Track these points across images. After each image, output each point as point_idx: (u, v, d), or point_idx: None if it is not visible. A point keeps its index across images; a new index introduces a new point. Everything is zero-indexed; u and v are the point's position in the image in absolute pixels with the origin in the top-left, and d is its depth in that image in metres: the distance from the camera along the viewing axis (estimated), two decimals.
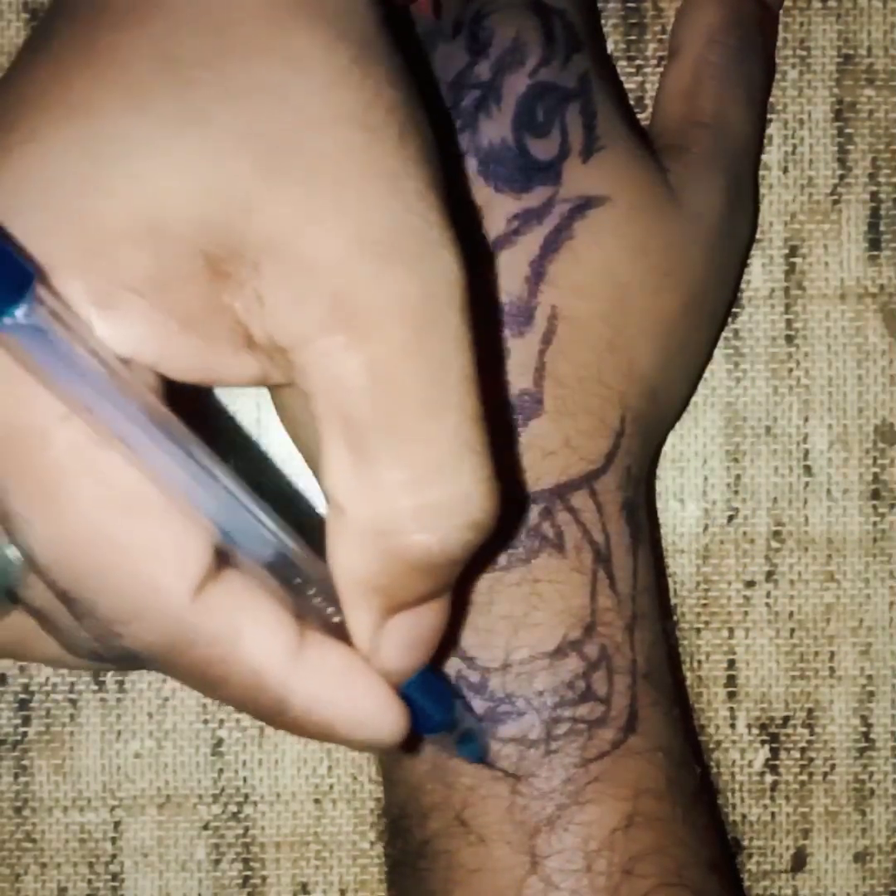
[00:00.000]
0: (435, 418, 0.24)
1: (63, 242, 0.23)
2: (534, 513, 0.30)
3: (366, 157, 0.24)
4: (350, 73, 0.24)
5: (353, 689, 0.26)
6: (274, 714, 0.25)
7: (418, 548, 0.24)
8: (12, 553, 0.27)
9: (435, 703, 0.28)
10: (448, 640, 0.30)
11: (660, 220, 0.32)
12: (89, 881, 0.37)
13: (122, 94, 0.23)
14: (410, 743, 0.28)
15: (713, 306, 0.34)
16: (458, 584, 0.26)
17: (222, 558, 0.25)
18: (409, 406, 0.24)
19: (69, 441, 0.23)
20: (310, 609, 0.26)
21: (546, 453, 0.30)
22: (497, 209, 0.31)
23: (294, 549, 0.25)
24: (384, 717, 0.26)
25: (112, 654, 0.26)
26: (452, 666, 0.30)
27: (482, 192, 0.31)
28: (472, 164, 0.31)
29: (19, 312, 0.21)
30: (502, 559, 0.30)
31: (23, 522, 0.23)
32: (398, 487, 0.24)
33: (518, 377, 0.30)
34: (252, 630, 0.25)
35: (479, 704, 0.30)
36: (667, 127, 0.34)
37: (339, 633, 0.26)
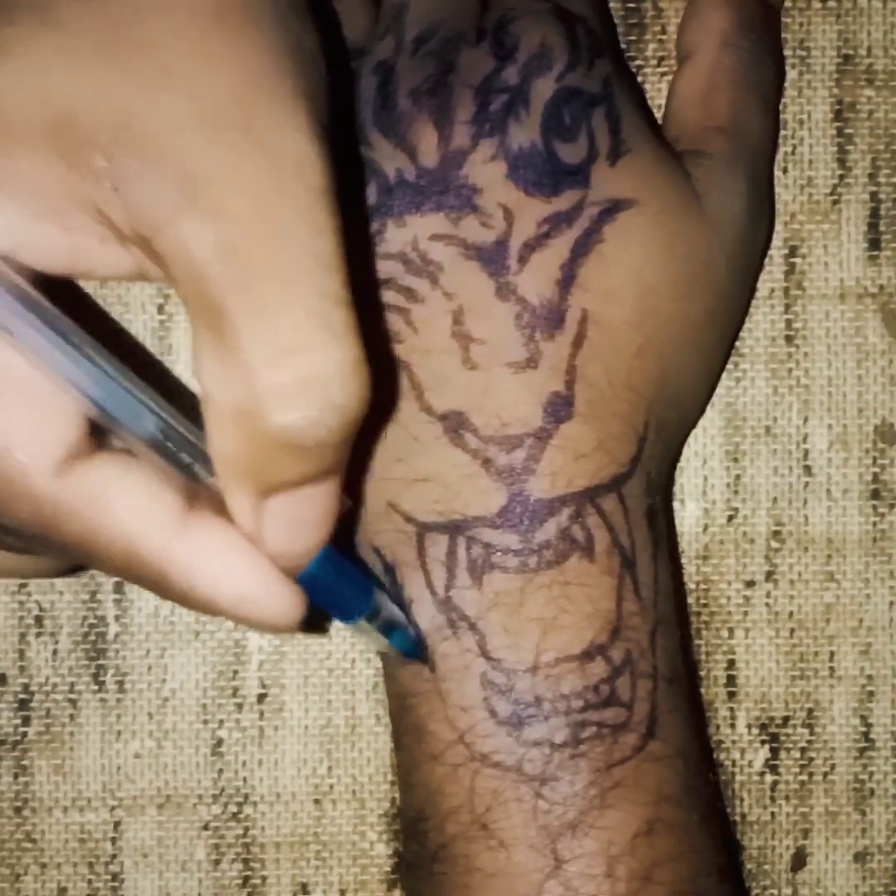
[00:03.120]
0: (290, 299, 0.24)
1: None
2: (564, 515, 0.30)
3: (214, 43, 0.25)
4: None
5: (235, 565, 0.26)
6: (158, 586, 0.26)
7: (279, 428, 0.24)
8: None
9: (348, 589, 0.28)
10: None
11: (687, 224, 0.32)
12: (89, 881, 0.37)
13: None
14: (315, 624, 0.29)
15: (733, 313, 0.35)
16: (351, 470, 0.27)
17: (100, 438, 0.26)
18: (265, 286, 0.24)
19: None
20: (203, 488, 0.26)
21: (578, 456, 0.30)
22: (527, 213, 0.31)
23: (172, 425, 0.26)
24: (271, 596, 0.26)
25: (7, 539, 0.28)
26: (477, 667, 0.30)
27: (512, 196, 0.31)
28: (501, 168, 0.31)
29: None
30: (532, 560, 0.30)
31: None
32: (256, 367, 0.24)
33: (549, 380, 0.30)
34: (125, 504, 0.26)
35: (503, 707, 0.30)
36: (683, 132, 0.34)
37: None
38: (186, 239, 0.24)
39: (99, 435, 0.26)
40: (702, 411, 0.36)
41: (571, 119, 0.31)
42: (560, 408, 0.30)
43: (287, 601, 0.26)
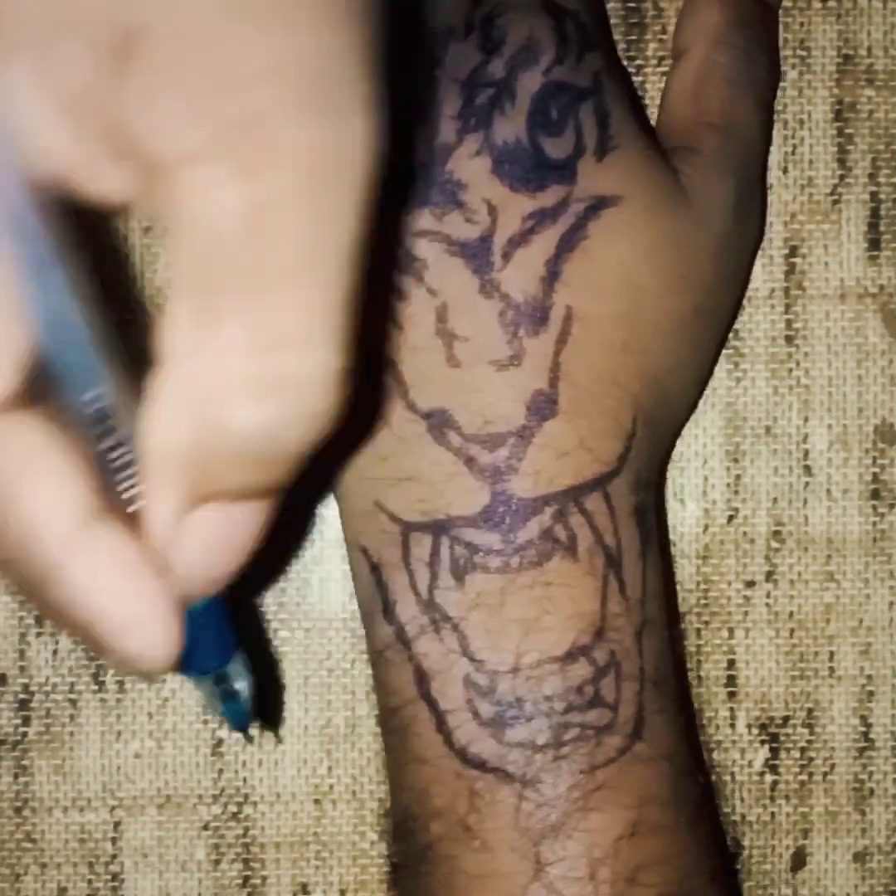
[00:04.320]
0: (301, 284, 0.22)
1: None
2: (547, 515, 0.30)
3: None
4: None
5: (132, 585, 0.23)
6: (40, 586, 0.23)
7: (241, 424, 0.21)
8: None
9: (214, 639, 0.26)
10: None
11: (673, 221, 0.32)
12: (89, 881, 0.37)
13: None
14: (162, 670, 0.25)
15: (722, 309, 0.34)
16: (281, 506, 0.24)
17: (30, 397, 0.23)
18: (277, 264, 0.21)
19: None
20: (115, 491, 0.23)
21: (560, 454, 0.30)
22: (512, 208, 0.30)
23: (113, 392, 0.23)
24: (154, 628, 0.23)
25: None
26: (460, 668, 0.30)
27: (497, 191, 0.30)
28: (486, 163, 0.30)
29: None
30: (514, 560, 0.30)
31: None
32: (235, 350, 0.21)
33: (533, 378, 0.30)
34: (40, 478, 0.23)
35: (486, 708, 0.30)
36: (674, 128, 0.34)
37: (137, 524, 0.24)
38: (209, 188, 0.21)
39: (31, 393, 0.23)
40: (692, 408, 0.36)
41: (558, 113, 0.31)
42: (544, 406, 0.30)
43: (167, 638, 0.23)
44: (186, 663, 0.25)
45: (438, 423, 0.30)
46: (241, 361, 0.21)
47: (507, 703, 0.30)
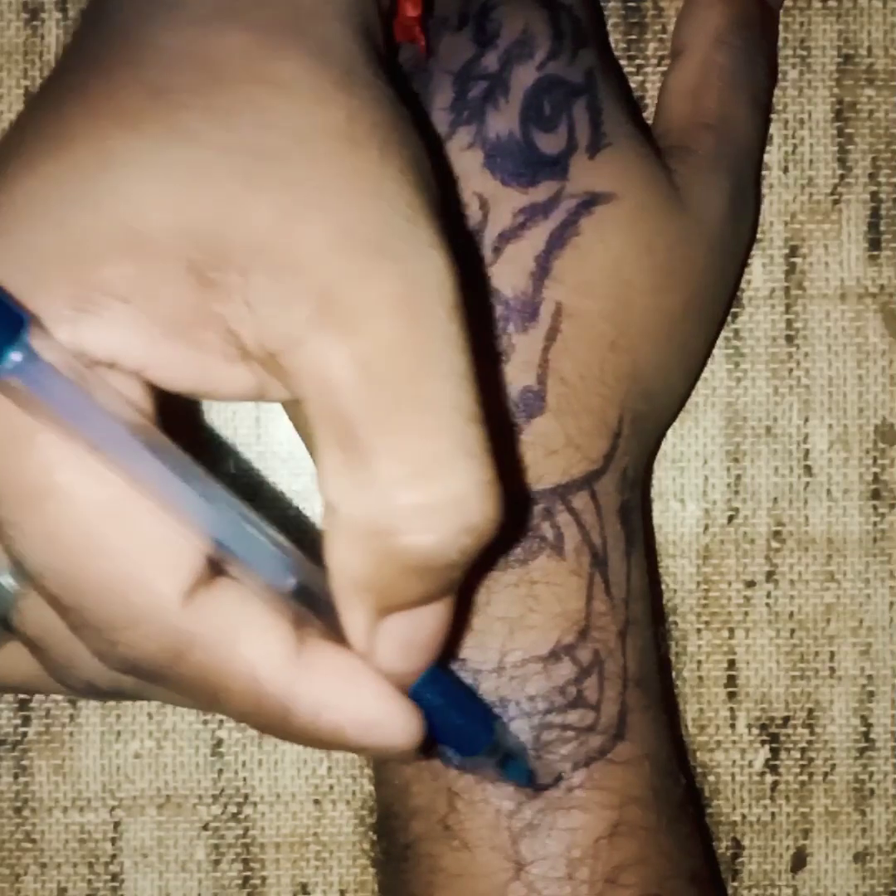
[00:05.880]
0: (427, 415, 0.24)
1: (49, 254, 0.23)
2: (534, 513, 0.30)
3: (347, 164, 0.24)
4: (333, 94, 0.25)
5: (360, 690, 0.25)
6: (280, 722, 0.25)
7: (411, 549, 0.24)
8: (5, 580, 0.27)
9: (460, 712, 0.27)
10: (450, 649, 0.29)
11: (665, 220, 0.32)
12: (89, 881, 0.37)
13: (113, 121, 0.24)
14: (429, 748, 0.27)
15: (713, 308, 0.34)
16: (461, 589, 0.26)
17: (216, 567, 0.25)
18: (400, 402, 0.23)
19: (59, 445, 0.23)
20: (311, 617, 0.25)
21: (548, 452, 0.30)
22: (503, 203, 0.30)
23: (291, 553, 0.25)
24: (395, 720, 0.25)
25: (108, 682, 0.27)
26: None
27: (489, 185, 0.30)
28: (478, 157, 0.30)
29: (13, 356, 0.22)
30: (499, 559, 0.30)
31: (14, 527, 0.23)
32: (391, 485, 0.23)
33: (521, 374, 0.30)
34: (248, 634, 0.25)
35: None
36: (671, 127, 0.34)
37: (341, 640, 0.26)
38: (321, 355, 0.23)
39: (218, 566, 0.25)
40: (680, 406, 0.36)
41: (551, 108, 0.31)
42: (532, 403, 0.30)
43: (409, 722, 0.25)
44: (463, 747, 0.28)
45: None
46: (398, 495, 0.23)
47: (490, 703, 0.30)
